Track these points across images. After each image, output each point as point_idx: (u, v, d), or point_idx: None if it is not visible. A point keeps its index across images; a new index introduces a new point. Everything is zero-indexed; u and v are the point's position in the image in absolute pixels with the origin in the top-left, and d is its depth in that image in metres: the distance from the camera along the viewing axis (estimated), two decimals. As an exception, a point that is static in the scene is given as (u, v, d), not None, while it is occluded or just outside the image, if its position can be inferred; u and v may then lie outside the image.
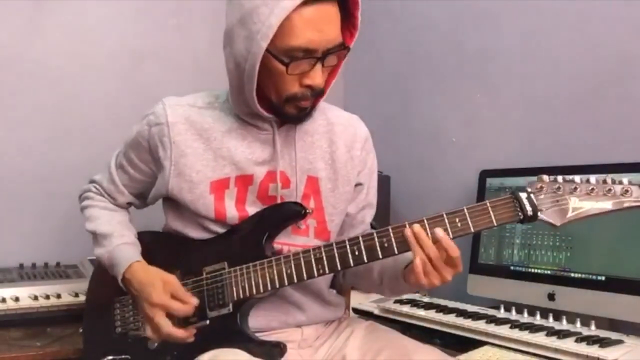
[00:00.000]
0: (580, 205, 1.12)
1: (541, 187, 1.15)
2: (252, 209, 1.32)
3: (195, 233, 1.35)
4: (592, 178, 1.12)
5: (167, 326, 1.25)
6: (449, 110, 2.20)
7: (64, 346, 1.61)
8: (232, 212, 1.31)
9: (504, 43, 2.02)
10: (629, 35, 1.70)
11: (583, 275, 1.60)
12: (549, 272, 1.67)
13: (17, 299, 1.73)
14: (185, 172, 1.32)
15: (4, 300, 1.72)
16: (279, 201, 1.33)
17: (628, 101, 1.70)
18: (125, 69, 2.23)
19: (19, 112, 2.09)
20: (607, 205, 1.10)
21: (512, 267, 1.76)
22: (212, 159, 1.32)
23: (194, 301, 1.26)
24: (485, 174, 1.90)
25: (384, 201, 2.17)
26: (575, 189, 1.12)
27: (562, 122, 1.85)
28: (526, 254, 1.73)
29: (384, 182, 2.17)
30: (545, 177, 1.16)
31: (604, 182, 1.11)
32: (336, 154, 1.39)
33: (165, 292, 1.26)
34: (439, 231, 1.15)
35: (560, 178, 1.14)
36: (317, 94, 1.25)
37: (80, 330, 1.49)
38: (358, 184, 1.44)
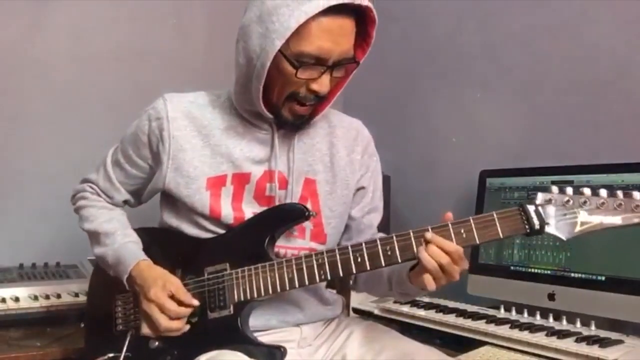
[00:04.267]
0: (590, 219, 1.10)
1: (550, 200, 1.13)
2: (248, 209, 1.32)
3: (189, 230, 1.35)
4: (603, 191, 1.10)
5: (163, 321, 1.25)
6: (449, 110, 2.20)
7: (64, 346, 1.60)
8: (227, 210, 1.32)
9: (504, 43, 2.02)
10: (629, 35, 1.70)
11: (583, 275, 1.60)
12: (549, 272, 1.67)
13: (17, 299, 1.73)
14: (183, 167, 1.32)
15: (4, 300, 1.72)
16: (276, 202, 1.33)
17: (628, 101, 1.70)
18: (125, 69, 2.23)
19: (19, 112, 2.09)
20: (616, 220, 1.08)
21: (512, 267, 1.76)
22: (210, 156, 1.32)
23: (195, 302, 1.26)
24: (485, 174, 1.90)
25: (384, 201, 2.16)
26: (585, 202, 1.10)
27: (562, 122, 1.85)
28: (526, 254, 1.73)
29: (384, 182, 2.15)
30: (555, 189, 1.14)
31: (614, 195, 1.09)
32: (336, 157, 1.40)
33: (163, 290, 1.26)
34: (430, 235, 1.14)
35: (569, 190, 1.12)
36: (319, 100, 1.27)
37: (82, 325, 1.49)
38: (361, 188, 1.44)
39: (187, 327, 1.28)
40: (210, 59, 2.37)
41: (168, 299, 1.25)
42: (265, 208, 1.33)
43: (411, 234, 1.17)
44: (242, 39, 1.26)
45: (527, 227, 1.12)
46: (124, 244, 1.35)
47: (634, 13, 1.69)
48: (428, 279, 1.15)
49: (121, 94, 2.20)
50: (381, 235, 1.47)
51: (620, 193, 1.09)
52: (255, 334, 1.28)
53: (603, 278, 1.55)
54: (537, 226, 1.12)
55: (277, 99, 1.27)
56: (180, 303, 1.26)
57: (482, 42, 2.09)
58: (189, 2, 2.36)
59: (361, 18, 1.24)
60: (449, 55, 2.21)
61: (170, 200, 1.37)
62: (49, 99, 2.12)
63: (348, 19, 1.21)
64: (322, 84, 1.23)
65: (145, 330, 1.29)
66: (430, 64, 2.28)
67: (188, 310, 1.26)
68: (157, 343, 1.30)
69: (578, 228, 1.11)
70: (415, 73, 2.34)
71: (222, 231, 1.33)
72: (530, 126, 1.94)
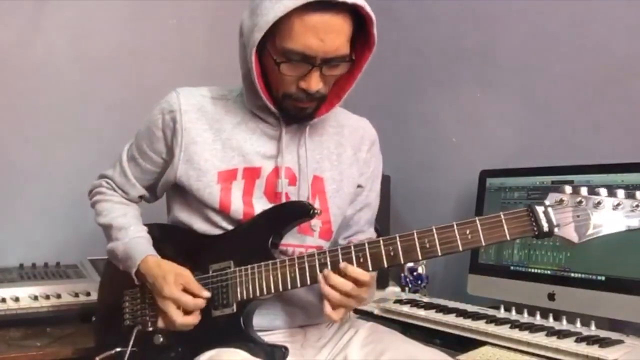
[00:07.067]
0: (603, 221, 1.04)
1: (561, 200, 1.07)
2: (258, 204, 1.33)
3: (200, 224, 1.36)
4: (620, 192, 1.04)
5: (179, 317, 1.26)
6: (449, 110, 2.20)
7: (64, 346, 1.61)
8: (237, 204, 1.32)
9: (504, 43, 2.02)
10: (629, 35, 1.70)
11: (583, 275, 1.60)
12: (549, 272, 1.67)
13: (17, 299, 1.73)
14: (194, 159, 1.32)
15: (4, 300, 1.72)
16: (284, 198, 1.33)
17: (628, 101, 1.70)
18: (125, 69, 2.23)
19: (19, 112, 2.09)
20: (633, 222, 1.03)
21: (512, 267, 1.76)
22: (221, 149, 1.33)
23: (206, 294, 1.28)
24: (485, 174, 1.90)
25: (384, 201, 2.15)
26: (599, 203, 1.04)
27: (562, 122, 1.85)
28: (526, 254, 1.73)
29: (384, 182, 2.16)
30: (568, 189, 1.08)
31: (632, 197, 1.03)
32: (342, 156, 1.41)
33: (176, 285, 1.27)
34: (343, 265, 1.17)
35: (583, 190, 1.07)
36: (315, 98, 1.27)
37: (93, 319, 1.50)
38: (359, 186, 1.44)
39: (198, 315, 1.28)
40: (211, 59, 2.37)
41: (182, 293, 1.27)
42: (273, 204, 1.33)
43: (415, 234, 1.16)
44: (240, 33, 1.28)
45: (535, 229, 1.09)
46: (135, 239, 1.36)
47: (635, 13, 1.69)
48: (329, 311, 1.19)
49: (121, 94, 2.20)
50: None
51: (638, 194, 1.03)
52: (260, 334, 1.28)
53: (603, 278, 1.55)
54: (545, 228, 1.08)
55: (275, 94, 1.28)
56: (193, 295, 1.27)
57: (482, 42, 2.09)
58: (189, 2, 2.36)
59: (361, 17, 1.22)
60: (449, 55, 2.21)
61: (182, 193, 1.37)
62: (50, 99, 2.12)
63: (337, 16, 1.17)
64: (311, 82, 1.21)
65: (162, 325, 1.31)
66: (430, 64, 2.28)
67: (203, 302, 1.27)
68: (161, 339, 1.32)
69: (590, 231, 1.06)
70: (415, 73, 2.34)
71: (231, 227, 1.34)
72: (530, 126, 1.94)
